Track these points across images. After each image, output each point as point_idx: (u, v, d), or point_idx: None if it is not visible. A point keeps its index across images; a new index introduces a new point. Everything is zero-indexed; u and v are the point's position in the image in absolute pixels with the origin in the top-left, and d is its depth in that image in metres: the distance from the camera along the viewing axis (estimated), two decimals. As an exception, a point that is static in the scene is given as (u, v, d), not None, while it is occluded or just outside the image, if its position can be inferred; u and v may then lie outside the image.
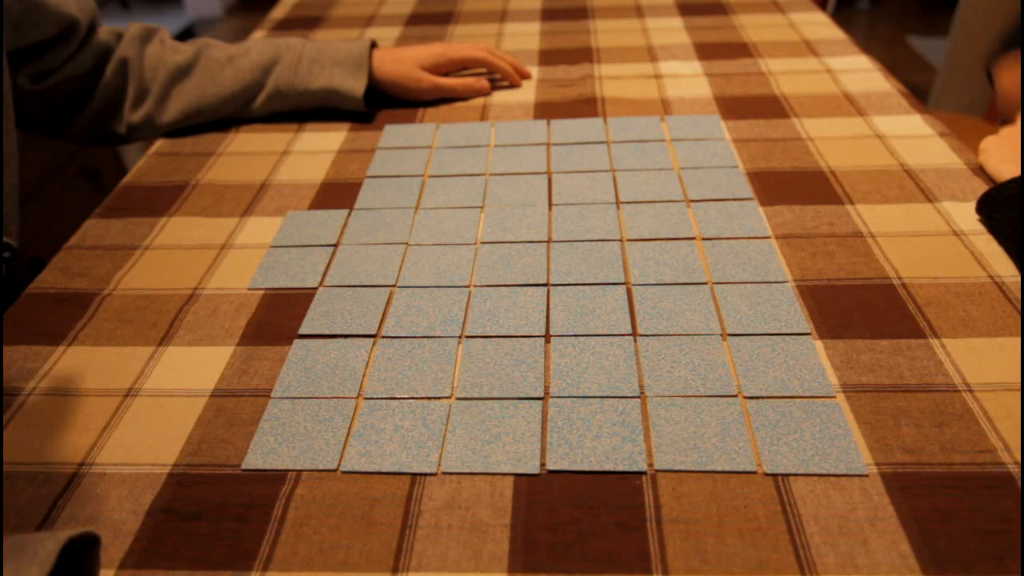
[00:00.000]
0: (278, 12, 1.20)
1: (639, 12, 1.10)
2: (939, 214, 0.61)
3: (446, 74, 0.88)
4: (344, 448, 0.44)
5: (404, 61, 0.83)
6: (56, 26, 0.69)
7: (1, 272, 0.53)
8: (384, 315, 0.54)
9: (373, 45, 0.82)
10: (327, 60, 0.80)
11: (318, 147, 0.77)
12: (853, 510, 0.39)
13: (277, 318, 0.54)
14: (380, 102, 0.85)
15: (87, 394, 0.48)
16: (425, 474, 0.42)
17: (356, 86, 0.79)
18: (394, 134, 0.78)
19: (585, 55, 0.96)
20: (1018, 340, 0.49)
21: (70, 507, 0.41)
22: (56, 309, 0.56)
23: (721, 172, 0.68)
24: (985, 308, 0.51)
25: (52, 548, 0.29)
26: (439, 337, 0.51)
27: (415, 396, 0.47)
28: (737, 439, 0.43)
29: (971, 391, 0.45)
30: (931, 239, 0.58)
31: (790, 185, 0.66)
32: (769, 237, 0.60)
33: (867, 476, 0.40)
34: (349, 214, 0.66)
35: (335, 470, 0.43)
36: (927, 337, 0.49)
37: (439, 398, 0.47)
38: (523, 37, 1.03)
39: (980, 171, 0.66)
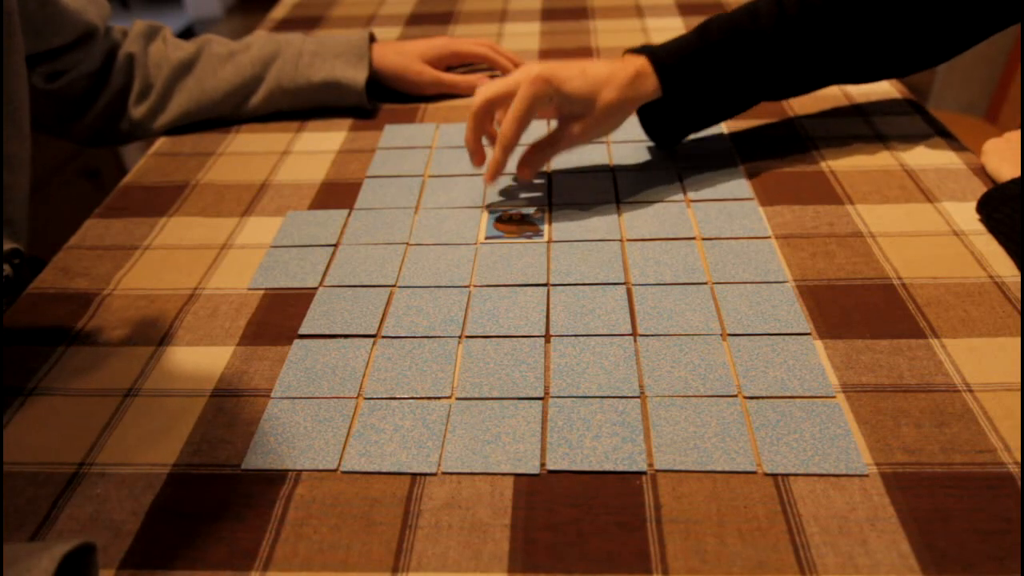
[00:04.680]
0: (278, 12, 1.20)
1: (639, 12, 1.10)
2: (939, 214, 0.61)
3: (448, 68, 0.88)
4: (344, 448, 0.44)
5: (407, 54, 0.84)
6: (75, 32, 0.70)
7: (11, 277, 0.53)
8: (384, 315, 0.54)
9: (372, 38, 0.83)
10: (328, 52, 0.80)
11: (318, 147, 0.77)
12: (853, 510, 0.39)
13: (277, 318, 0.54)
14: (381, 100, 0.85)
15: (87, 394, 0.48)
16: (425, 474, 0.42)
17: (358, 76, 0.79)
18: (394, 134, 0.78)
19: (585, 55, 0.96)
20: (1018, 340, 0.49)
21: (70, 507, 0.41)
22: (56, 309, 0.56)
23: (721, 172, 0.68)
24: (985, 308, 0.51)
25: (48, 567, 0.29)
26: (439, 337, 0.51)
27: (415, 396, 0.47)
28: (737, 439, 0.43)
29: (971, 391, 0.45)
30: (931, 239, 0.58)
31: (790, 185, 0.66)
32: (769, 237, 0.60)
33: (867, 476, 0.40)
34: (349, 214, 0.66)
35: (335, 470, 0.43)
36: (927, 337, 0.49)
37: (439, 398, 0.47)
38: (523, 37, 1.03)
39: (980, 171, 0.66)
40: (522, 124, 0.60)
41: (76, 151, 1.46)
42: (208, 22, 3.64)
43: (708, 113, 0.68)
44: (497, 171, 0.62)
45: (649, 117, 0.69)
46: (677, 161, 0.70)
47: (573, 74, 0.60)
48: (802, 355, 0.48)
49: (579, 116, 0.61)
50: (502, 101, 0.61)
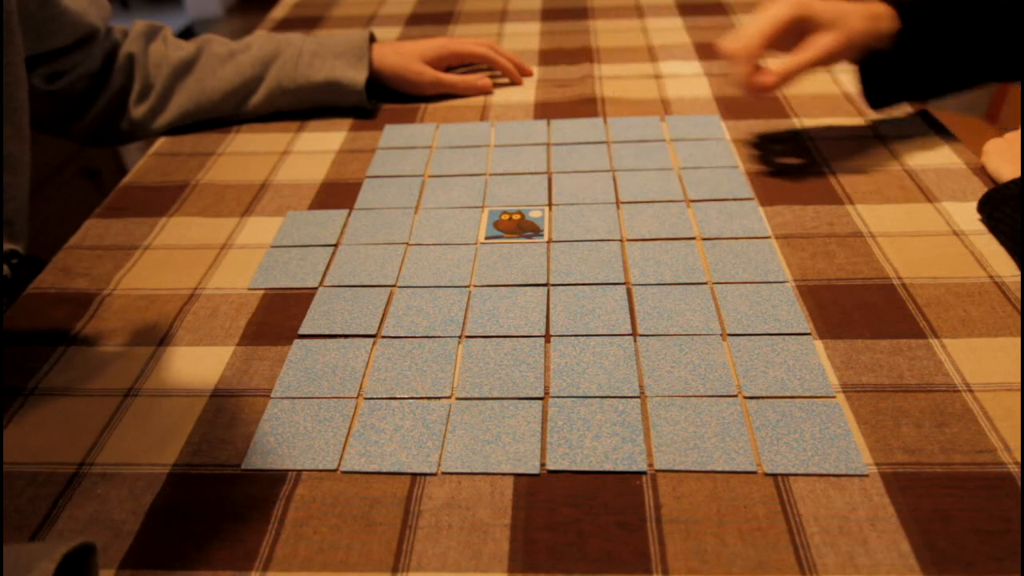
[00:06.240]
0: (278, 12, 1.20)
1: (639, 12, 1.10)
2: (939, 214, 0.61)
3: (448, 69, 0.88)
4: (344, 448, 0.44)
5: (406, 54, 0.84)
6: (76, 34, 0.70)
7: (9, 277, 0.53)
8: (384, 315, 0.54)
9: (372, 38, 0.83)
10: (328, 52, 0.80)
11: (318, 147, 0.77)
12: (853, 510, 0.39)
13: (277, 318, 0.54)
14: (381, 99, 0.85)
15: (87, 394, 0.48)
16: (425, 474, 0.42)
17: (358, 77, 0.79)
18: (394, 134, 0.78)
19: (585, 55, 0.96)
20: (1018, 340, 0.49)
21: (70, 507, 0.41)
22: (56, 309, 0.56)
23: (721, 172, 0.68)
24: (985, 308, 0.51)
25: (47, 567, 0.29)
26: (439, 337, 0.51)
27: (415, 396, 0.47)
28: (737, 439, 0.43)
29: (971, 391, 0.45)
30: (931, 239, 0.58)
31: (790, 185, 0.66)
32: (769, 237, 0.60)
33: (867, 476, 0.40)
34: (349, 214, 0.66)
35: (335, 470, 0.43)
36: (927, 337, 0.49)
37: (439, 398, 0.47)
38: (523, 37, 1.03)
39: (980, 171, 0.66)
40: (767, 39, 0.62)
41: (76, 151, 1.46)
42: (208, 22, 3.64)
43: (932, 77, 0.67)
44: (746, 83, 0.62)
45: (869, 75, 0.69)
46: (677, 161, 0.70)
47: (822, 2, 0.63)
48: (802, 355, 0.48)
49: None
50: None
